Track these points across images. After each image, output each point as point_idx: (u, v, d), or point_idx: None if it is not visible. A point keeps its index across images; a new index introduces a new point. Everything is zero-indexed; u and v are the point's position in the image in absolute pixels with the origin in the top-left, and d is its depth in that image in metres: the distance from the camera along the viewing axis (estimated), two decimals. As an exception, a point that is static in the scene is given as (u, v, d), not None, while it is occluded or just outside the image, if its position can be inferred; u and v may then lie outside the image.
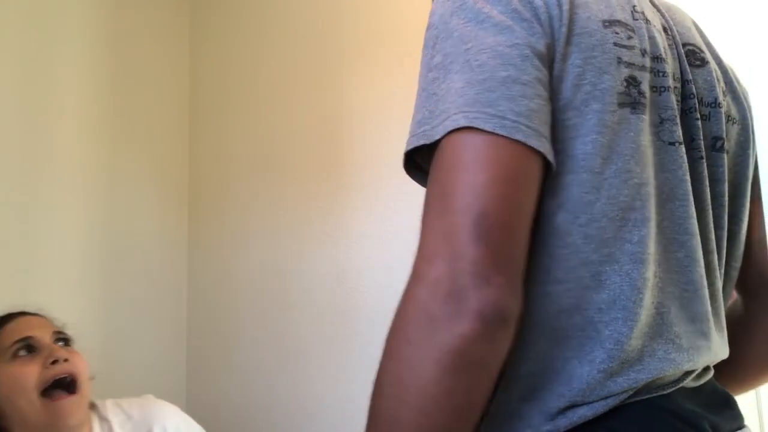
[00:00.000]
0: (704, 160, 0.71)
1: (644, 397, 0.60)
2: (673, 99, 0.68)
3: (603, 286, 0.61)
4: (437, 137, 0.58)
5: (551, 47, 0.62)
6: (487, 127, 0.56)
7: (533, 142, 0.57)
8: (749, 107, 0.78)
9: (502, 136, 0.56)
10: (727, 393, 0.71)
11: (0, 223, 1.54)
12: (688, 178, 0.68)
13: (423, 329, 0.54)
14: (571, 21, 0.63)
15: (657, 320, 0.62)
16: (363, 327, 1.58)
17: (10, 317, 1.22)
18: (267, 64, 1.87)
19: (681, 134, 0.68)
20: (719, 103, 0.74)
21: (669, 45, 0.72)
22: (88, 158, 1.73)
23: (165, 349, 1.84)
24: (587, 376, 0.59)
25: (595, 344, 0.60)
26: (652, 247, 0.63)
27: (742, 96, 0.78)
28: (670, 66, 0.70)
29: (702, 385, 0.67)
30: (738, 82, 0.80)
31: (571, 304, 0.60)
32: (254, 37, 1.91)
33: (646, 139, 0.65)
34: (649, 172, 0.65)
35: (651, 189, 0.64)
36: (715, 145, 0.74)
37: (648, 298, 0.62)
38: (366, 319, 1.57)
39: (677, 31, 0.75)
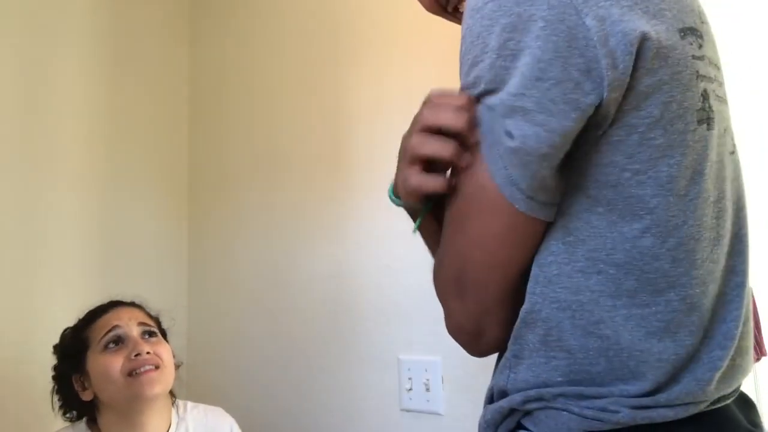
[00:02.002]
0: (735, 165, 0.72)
1: (716, 406, 0.63)
2: (726, 108, 0.68)
3: (693, 309, 0.61)
4: None
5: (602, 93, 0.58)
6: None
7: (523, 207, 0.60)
8: None
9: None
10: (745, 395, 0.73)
11: (0, 223, 1.54)
12: (742, 182, 0.70)
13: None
14: (659, 45, 0.59)
15: (736, 335, 0.64)
16: (363, 327, 1.57)
17: (105, 309, 1.34)
18: (267, 64, 1.87)
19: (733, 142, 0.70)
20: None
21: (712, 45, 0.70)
22: (87, 158, 1.73)
23: (165, 349, 1.84)
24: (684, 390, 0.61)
25: (695, 364, 0.61)
26: (723, 263, 0.64)
27: None
28: (720, 72, 0.69)
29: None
30: None
31: (660, 327, 0.60)
32: (254, 36, 1.91)
33: (716, 152, 0.64)
34: (723, 187, 0.65)
35: (727, 204, 0.65)
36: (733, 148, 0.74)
37: (729, 314, 0.63)
38: (366, 319, 1.57)
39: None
